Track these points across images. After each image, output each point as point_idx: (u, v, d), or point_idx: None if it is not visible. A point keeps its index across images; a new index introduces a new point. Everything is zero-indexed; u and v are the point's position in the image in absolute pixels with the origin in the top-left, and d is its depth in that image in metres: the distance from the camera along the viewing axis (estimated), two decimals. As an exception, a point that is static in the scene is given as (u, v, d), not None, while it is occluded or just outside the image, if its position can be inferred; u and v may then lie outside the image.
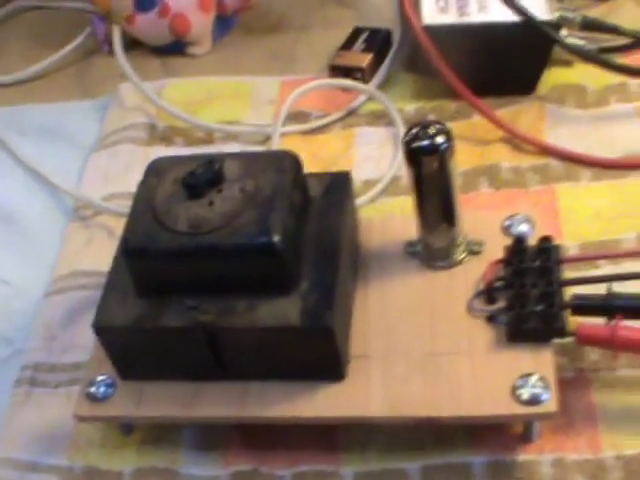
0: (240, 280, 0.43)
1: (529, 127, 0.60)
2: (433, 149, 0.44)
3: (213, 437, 0.48)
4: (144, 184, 0.46)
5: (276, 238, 0.42)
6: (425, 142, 0.44)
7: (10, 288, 0.59)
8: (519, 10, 0.57)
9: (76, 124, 0.69)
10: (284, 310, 0.43)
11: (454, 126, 0.60)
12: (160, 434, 0.49)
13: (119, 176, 0.63)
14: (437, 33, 0.59)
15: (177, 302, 0.44)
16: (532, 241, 0.47)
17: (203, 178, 0.44)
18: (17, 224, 0.63)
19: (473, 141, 0.60)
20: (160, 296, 0.45)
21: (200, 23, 0.71)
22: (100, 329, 0.45)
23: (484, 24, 0.59)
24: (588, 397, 0.46)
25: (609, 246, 0.53)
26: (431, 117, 0.62)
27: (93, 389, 0.47)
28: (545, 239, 0.47)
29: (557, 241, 0.48)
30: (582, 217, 0.55)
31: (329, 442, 0.47)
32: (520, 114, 0.61)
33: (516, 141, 0.59)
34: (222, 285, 0.44)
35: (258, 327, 0.43)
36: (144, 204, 0.45)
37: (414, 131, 0.44)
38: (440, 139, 0.44)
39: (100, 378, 0.47)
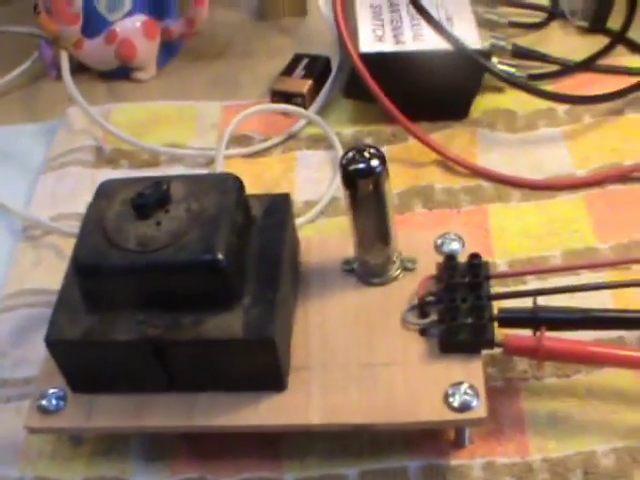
0: (186, 295, 0.45)
1: (462, 150, 0.63)
2: (368, 172, 0.46)
3: (161, 447, 0.50)
4: (94, 205, 0.48)
5: (220, 255, 0.44)
6: (361, 165, 0.46)
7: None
8: (452, 39, 0.60)
9: (24, 147, 0.70)
10: (228, 323, 0.45)
11: (390, 149, 0.64)
12: (109, 445, 0.50)
13: (67, 197, 0.65)
14: (373, 60, 0.62)
15: (126, 317, 0.46)
16: (462, 258, 0.50)
17: (151, 199, 0.46)
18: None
19: (408, 164, 0.63)
20: (109, 311, 0.46)
21: (146, 49, 0.73)
22: (51, 343, 0.47)
23: (418, 52, 0.62)
24: (517, 405, 0.49)
25: (536, 262, 0.56)
26: (368, 141, 0.65)
27: (44, 402, 0.48)
28: (474, 256, 0.50)
29: (488, 258, 0.51)
30: (511, 235, 0.58)
31: (272, 451, 0.49)
32: (453, 138, 0.64)
33: (449, 164, 0.62)
34: (169, 300, 0.46)
35: (204, 340, 0.45)
36: (94, 224, 0.47)
37: (350, 155, 0.47)
38: (375, 162, 0.46)
39: (51, 391, 0.49)
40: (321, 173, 0.64)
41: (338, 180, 0.61)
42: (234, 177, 0.49)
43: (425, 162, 0.63)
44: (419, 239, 0.53)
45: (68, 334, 0.47)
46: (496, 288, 0.50)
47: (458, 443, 0.48)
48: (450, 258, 0.50)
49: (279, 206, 0.51)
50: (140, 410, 0.48)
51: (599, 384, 0.49)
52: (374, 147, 0.47)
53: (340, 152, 0.64)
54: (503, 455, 0.47)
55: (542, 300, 0.48)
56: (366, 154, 0.46)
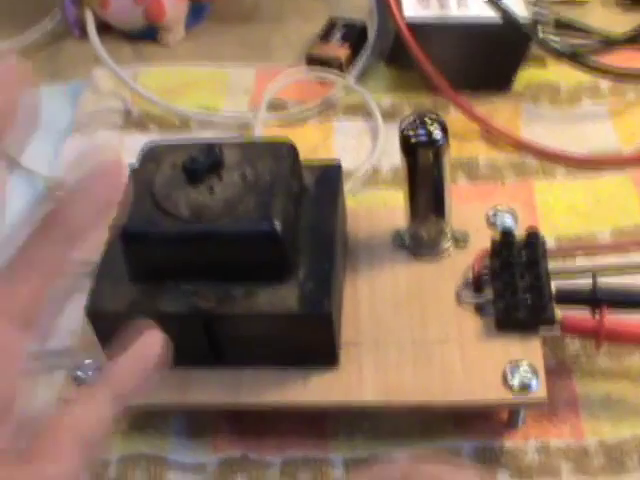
0: (240, 267, 0.44)
1: (505, 123, 0.61)
2: (430, 141, 0.44)
3: (201, 424, 0.48)
4: (140, 168, 0.46)
5: (278, 225, 0.42)
6: (422, 133, 0.44)
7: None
8: (501, 9, 0.58)
9: (47, 108, 0.66)
10: (283, 297, 0.43)
11: (431, 120, 0.62)
12: (147, 421, 0.48)
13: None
14: (418, 27, 0.59)
15: (172, 288, 0.44)
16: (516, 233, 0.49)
17: (204, 164, 0.44)
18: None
19: (450, 135, 0.61)
20: (156, 282, 0.44)
21: (175, 10, 0.70)
22: (93, 314, 0.45)
23: (466, 20, 0.60)
24: (570, 386, 0.48)
25: (584, 240, 0.54)
26: (407, 111, 0.63)
27: (80, 373, 0.47)
28: (532, 232, 0.48)
29: (537, 235, 0.49)
30: (558, 212, 0.56)
31: (317, 430, 0.48)
32: (496, 110, 0.62)
33: (492, 137, 0.60)
34: (221, 271, 0.44)
35: (257, 314, 0.43)
36: (141, 189, 0.45)
37: (410, 121, 0.45)
38: (437, 131, 0.45)
39: (87, 362, 0.47)
40: (359, 142, 0.62)
41: (378, 150, 0.60)
42: (289, 144, 0.47)
43: (468, 134, 0.61)
44: (470, 212, 0.51)
45: (111, 305, 0.45)
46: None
47: (511, 424, 0.46)
48: (507, 234, 0.48)
49: (331, 175, 0.49)
50: (184, 385, 0.46)
51: (653, 366, 0.48)
52: (435, 114, 0.45)
53: (379, 121, 0.62)
54: (557, 437, 0.46)
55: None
56: (427, 121, 0.45)
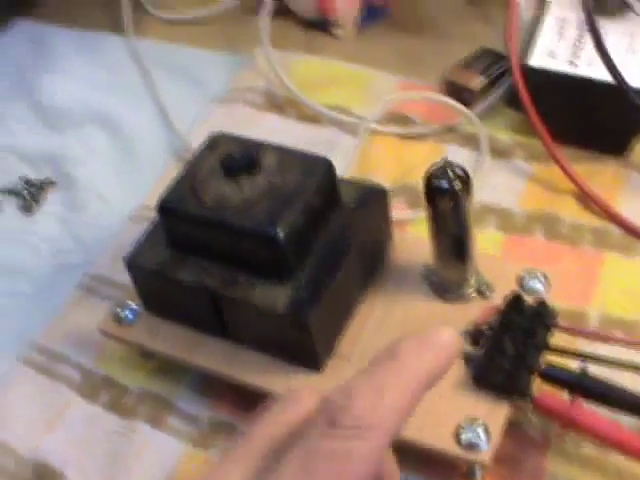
0: (245, 259, 0.48)
1: (604, 188, 0.59)
2: (448, 191, 0.46)
3: (211, 385, 0.53)
4: (199, 152, 0.51)
5: (280, 232, 0.46)
6: (443, 182, 0.46)
7: (104, 205, 0.66)
8: (616, 74, 0.56)
9: (209, 73, 0.74)
10: (275, 295, 0.47)
11: (535, 167, 0.62)
12: (170, 367, 0.54)
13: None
14: (538, 75, 0.60)
15: (192, 260, 0.50)
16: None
17: (238, 162, 0.48)
18: (131, 148, 0.69)
19: (546, 186, 0.61)
20: (183, 251, 0.50)
21: (344, 6, 0.74)
22: (130, 265, 0.52)
23: (585, 79, 0.59)
24: (541, 461, 0.48)
25: (629, 325, 0.53)
26: (519, 153, 0.63)
27: (119, 310, 0.54)
28: (540, 302, 0.49)
29: (583, 306, 0.51)
30: (616, 290, 0.55)
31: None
32: (600, 172, 0.61)
33: (586, 199, 0.59)
34: (230, 258, 0.49)
35: (249, 303, 0.48)
36: (190, 170, 0.50)
37: (435, 169, 0.46)
38: (457, 183, 0.46)
39: (129, 303, 0.54)
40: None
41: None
42: (324, 161, 0.50)
43: (564, 189, 0.60)
44: (503, 267, 0.52)
45: (144, 261, 0.51)
46: (560, 338, 0.48)
47: (468, 478, 0.47)
48: (517, 297, 0.49)
49: (371, 197, 0.52)
50: (193, 346, 0.52)
51: (634, 472, 0.46)
52: (461, 167, 0.47)
53: (486, 158, 0.63)
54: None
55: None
56: (450, 173, 0.46)
